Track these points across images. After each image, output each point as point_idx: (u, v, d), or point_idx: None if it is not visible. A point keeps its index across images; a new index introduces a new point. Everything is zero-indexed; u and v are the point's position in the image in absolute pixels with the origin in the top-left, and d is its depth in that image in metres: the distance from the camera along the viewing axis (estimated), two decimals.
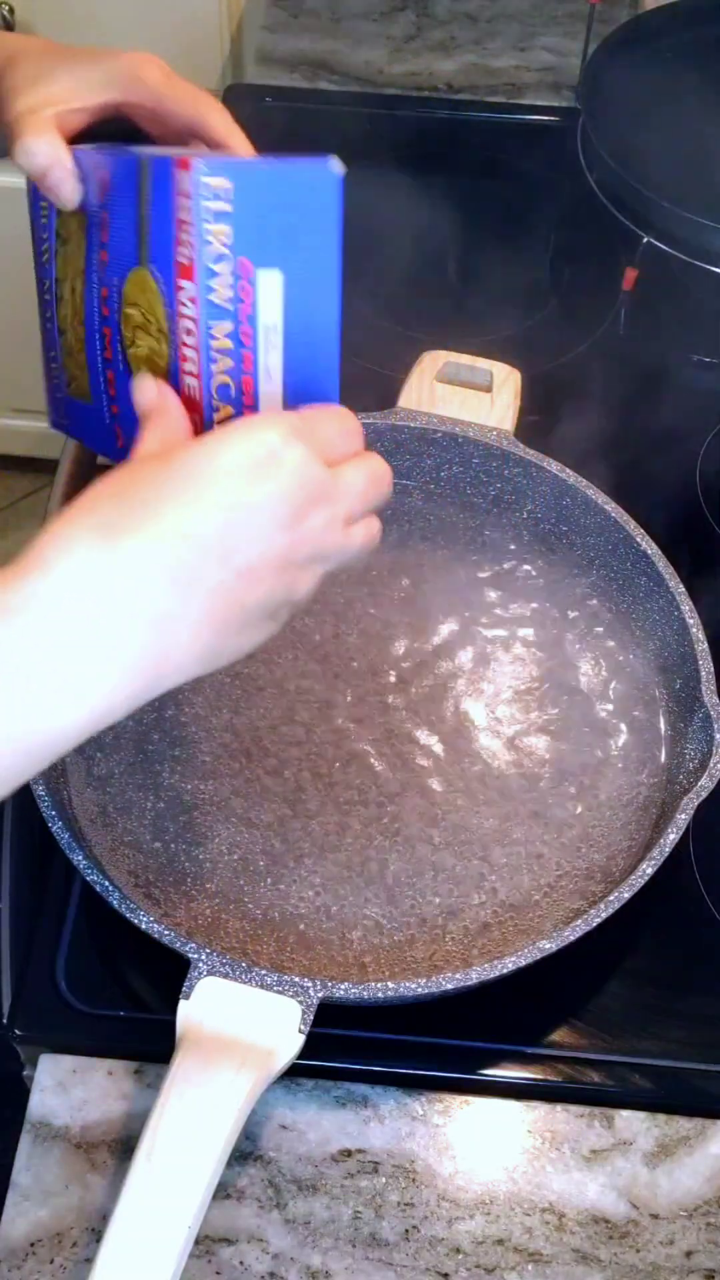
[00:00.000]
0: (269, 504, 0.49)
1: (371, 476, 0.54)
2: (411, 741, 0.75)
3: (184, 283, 0.51)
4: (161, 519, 0.47)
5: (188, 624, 0.47)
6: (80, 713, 0.47)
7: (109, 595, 0.45)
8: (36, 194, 0.62)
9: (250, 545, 0.48)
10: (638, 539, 0.77)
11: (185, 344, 0.53)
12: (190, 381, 0.53)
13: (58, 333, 0.64)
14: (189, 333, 0.52)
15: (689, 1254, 0.63)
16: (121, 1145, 0.64)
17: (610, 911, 0.63)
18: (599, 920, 0.63)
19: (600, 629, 0.80)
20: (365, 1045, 0.67)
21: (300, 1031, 0.59)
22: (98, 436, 0.63)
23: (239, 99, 1.16)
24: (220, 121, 0.60)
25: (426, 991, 0.61)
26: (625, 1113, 0.67)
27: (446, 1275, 0.62)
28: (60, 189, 0.58)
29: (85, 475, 0.93)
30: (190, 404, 0.53)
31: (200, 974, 0.60)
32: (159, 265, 0.53)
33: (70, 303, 0.62)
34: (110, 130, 0.62)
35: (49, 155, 0.58)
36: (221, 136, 0.60)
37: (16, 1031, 0.68)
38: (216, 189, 0.50)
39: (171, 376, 0.54)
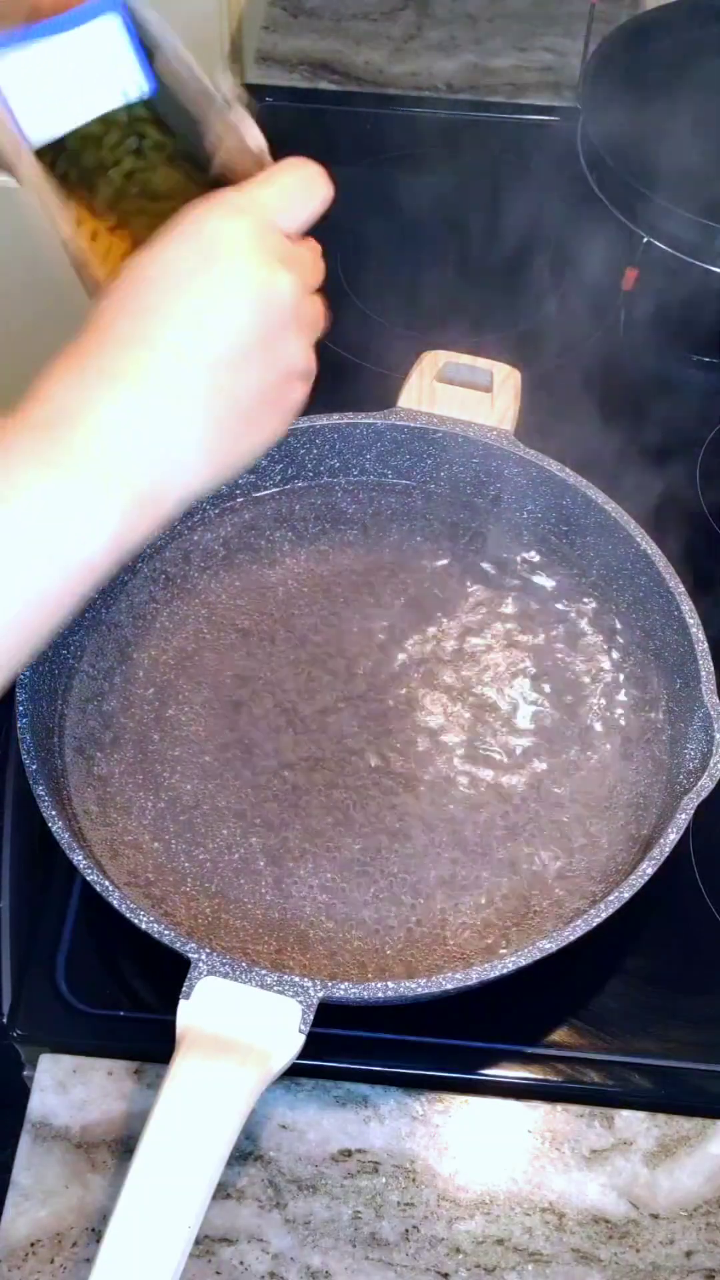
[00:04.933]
0: (227, 286, 0.49)
1: (315, 256, 0.55)
2: (411, 741, 0.75)
3: None
4: (132, 343, 0.48)
5: (189, 439, 0.49)
6: (104, 542, 0.48)
7: (113, 439, 0.47)
8: None
9: (222, 335, 0.49)
10: (638, 539, 0.77)
11: None
12: None
13: None
14: None
15: (689, 1254, 0.63)
16: (121, 1145, 0.64)
17: (610, 911, 0.63)
18: (599, 920, 0.63)
19: (600, 629, 0.80)
20: (365, 1045, 0.67)
21: (300, 1031, 0.59)
22: None
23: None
24: None
25: (426, 991, 0.61)
26: (625, 1113, 0.67)
27: (446, 1275, 0.62)
28: None
29: None
30: None
31: (200, 974, 0.60)
32: None
33: None
34: None
35: None
36: None
37: (16, 1031, 0.68)
38: None
39: None
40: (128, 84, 0.56)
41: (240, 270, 0.50)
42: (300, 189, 0.54)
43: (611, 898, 0.63)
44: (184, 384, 0.49)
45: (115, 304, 0.50)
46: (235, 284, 0.50)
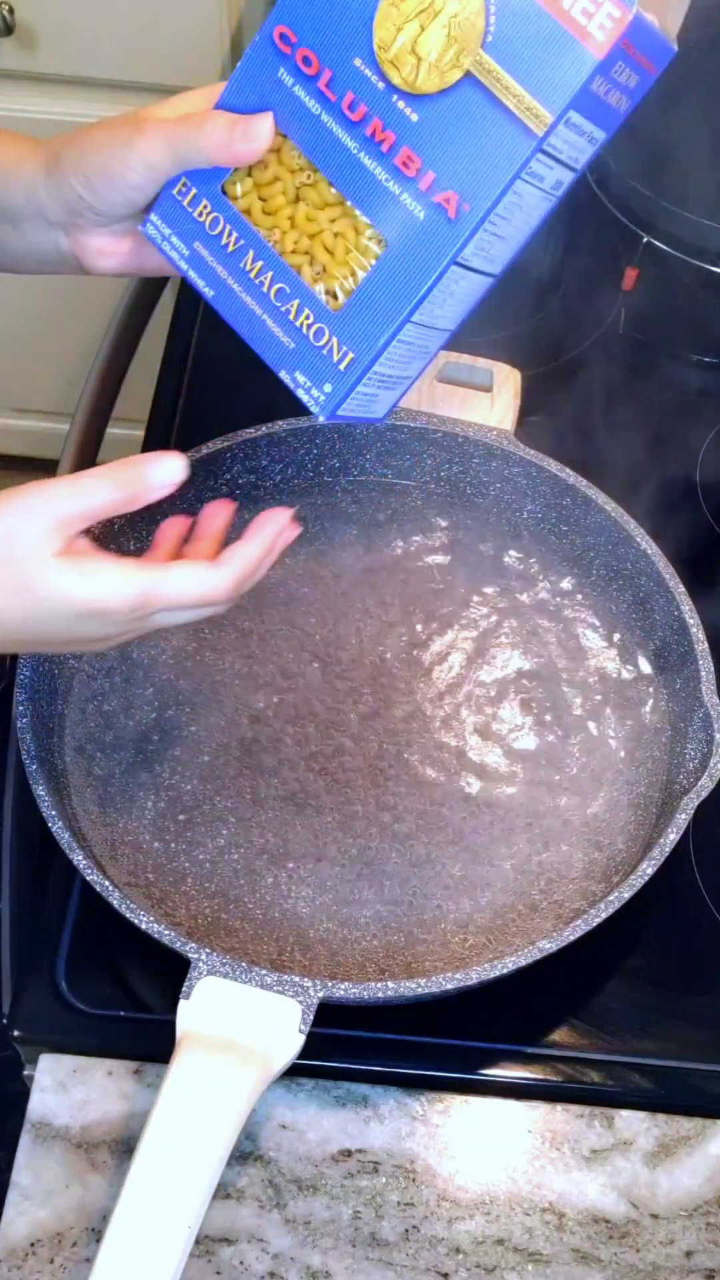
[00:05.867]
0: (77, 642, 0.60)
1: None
2: (410, 741, 0.75)
3: None
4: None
5: None
6: None
7: None
8: (171, 206, 0.60)
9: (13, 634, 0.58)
10: (638, 539, 0.77)
11: None
12: None
13: (293, 273, 0.60)
14: None
15: (689, 1254, 0.63)
16: (121, 1145, 0.64)
17: (610, 911, 0.63)
18: (599, 920, 0.63)
19: (599, 629, 0.80)
20: (365, 1045, 0.67)
21: (300, 1031, 0.59)
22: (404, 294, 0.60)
23: None
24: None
25: (426, 991, 0.61)
26: (625, 1113, 0.67)
27: (446, 1275, 0.62)
28: (258, 127, 0.57)
29: None
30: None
31: (200, 974, 0.60)
32: None
33: (299, 213, 0.59)
34: None
35: (229, 120, 0.57)
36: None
37: (16, 1032, 0.68)
38: None
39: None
40: None
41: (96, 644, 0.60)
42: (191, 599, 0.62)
43: (611, 898, 0.64)
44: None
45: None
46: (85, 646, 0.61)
